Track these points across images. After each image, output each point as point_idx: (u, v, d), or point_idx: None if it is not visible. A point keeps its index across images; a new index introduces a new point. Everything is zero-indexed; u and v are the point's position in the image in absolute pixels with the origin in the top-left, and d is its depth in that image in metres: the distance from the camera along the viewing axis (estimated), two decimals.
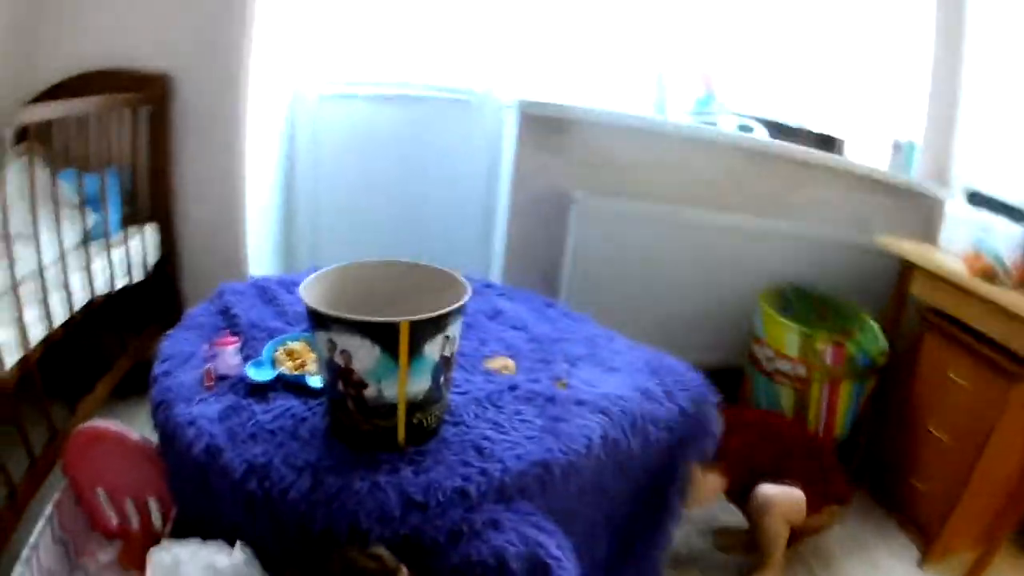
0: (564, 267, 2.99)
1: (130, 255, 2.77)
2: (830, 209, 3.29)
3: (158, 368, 2.07)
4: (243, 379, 1.97)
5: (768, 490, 2.33)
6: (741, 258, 3.11)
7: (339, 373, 1.68)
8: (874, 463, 3.17)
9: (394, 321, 1.59)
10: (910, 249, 2.96)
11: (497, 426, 1.84)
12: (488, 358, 2.14)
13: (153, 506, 2.13)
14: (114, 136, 2.74)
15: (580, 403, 1.93)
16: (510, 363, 2.12)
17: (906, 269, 3.01)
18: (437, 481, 1.64)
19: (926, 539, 2.83)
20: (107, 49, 2.85)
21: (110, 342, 2.40)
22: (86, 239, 2.62)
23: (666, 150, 2.98)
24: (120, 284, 2.74)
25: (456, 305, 1.68)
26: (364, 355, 1.62)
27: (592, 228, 2.91)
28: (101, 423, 2.12)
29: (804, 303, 3.26)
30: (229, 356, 2.05)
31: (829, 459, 2.57)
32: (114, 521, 2.22)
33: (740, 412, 2.53)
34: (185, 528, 1.88)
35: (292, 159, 3.32)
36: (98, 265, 2.60)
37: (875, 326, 3.06)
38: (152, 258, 2.97)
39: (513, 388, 1.99)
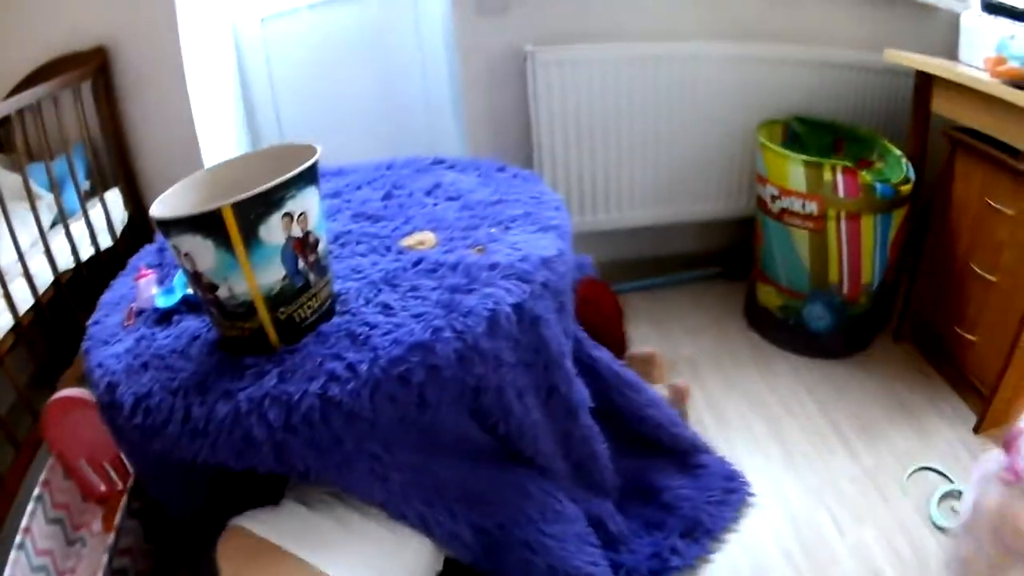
0: (535, 134, 2.70)
1: (92, 225, 2.73)
2: (831, 29, 2.86)
3: (92, 319, 1.98)
4: (155, 310, 1.89)
5: None
6: (736, 93, 2.73)
7: (191, 278, 1.54)
8: (917, 314, 2.78)
9: (212, 209, 1.40)
10: (925, 61, 2.49)
11: (385, 308, 1.60)
12: (406, 236, 1.90)
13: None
14: (68, 119, 2.71)
15: (492, 267, 1.66)
16: (428, 237, 1.86)
17: (923, 84, 2.56)
18: (299, 388, 1.45)
19: (982, 400, 2.41)
20: (45, 40, 2.81)
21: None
22: (54, 223, 2.65)
23: None
24: (86, 255, 2.71)
25: (284, 178, 1.45)
26: (203, 253, 1.45)
27: (556, 83, 2.59)
28: (69, 391, 2.09)
29: (815, 135, 2.85)
30: (143, 289, 1.95)
31: None
32: (102, 487, 2.23)
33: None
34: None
35: (247, 86, 3.17)
36: (58, 244, 2.58)
37: (897, 152, 2.63)
38: (119, 223, 2.93)
39: (418, 263, 1.73)
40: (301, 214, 1.50)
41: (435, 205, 2.02)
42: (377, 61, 3.03)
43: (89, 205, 2.75)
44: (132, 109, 2.92)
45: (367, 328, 1.54)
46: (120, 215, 2.94)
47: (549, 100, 2.60)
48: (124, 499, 1.93)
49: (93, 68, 2.81)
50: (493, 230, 1.82)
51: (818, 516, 2.12)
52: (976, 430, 2.39)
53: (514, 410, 1.66)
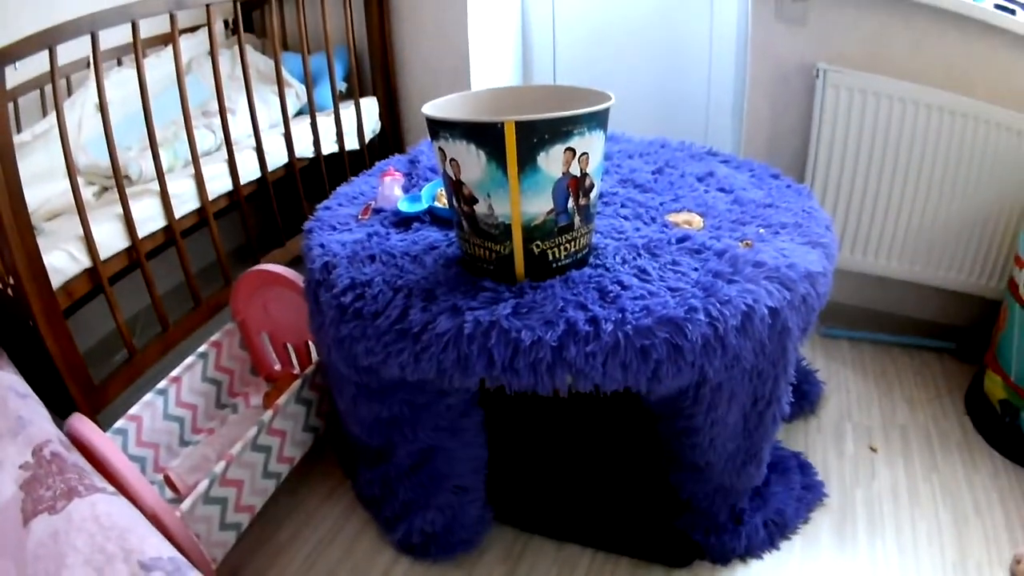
0: (812, 153, 2.54)
1: (340, 125, 2.77)
2: None
3: (324, 204, 2.00)
4: (396, 212, 1.88)
5: None
6: (1009, 165, 2.48)
7: (452, 186, 1.47)
8: None
9: (497, 121, 1.33)
10: None
11: (641, 273, 1.50)
12: (673, 213, 1.79)
13: (313, 350, 2.09)
14: (333, 19, 2.76)
15: (758, 265, 1.51)
16: (696, 219, 1.74)
17: None
18: (532, 334, 1.35)
19: None
20: None
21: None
22: (299, 112, 2.74)
23: (918, 24, 2.43)
24: (328, 151, 2.74)
25: (579, 111, 1.36)
26: (472, 164, 1.39)
27: (843, 108, 2.43)
28: (269, 266, 2.08)
29: None
30: (387, 188, 1.95)
31: None
32: (277, 365, 2.24)
33: None
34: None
35: (528, 29, 3.11)
36: (300, 131, 2.63)
37: None
38: (369, 131, 2.95)
39: (683, 240, 1.62)
40: (583, 154, 1.41)
41: (706, 192, 1.90)
42: (663, 43, 2.94)
43: (342, 106, 2.78)
44: (404, 24, 2.92)
45: (619, 287, 1.44)
46: (372, 123, 2.96)
47: (833, 123, 2.44)
48: (298, 383, 1.91)
49: None
50: (762, 231, 1.68)
51: None
52: None
53: (718, 410, 1.54)
